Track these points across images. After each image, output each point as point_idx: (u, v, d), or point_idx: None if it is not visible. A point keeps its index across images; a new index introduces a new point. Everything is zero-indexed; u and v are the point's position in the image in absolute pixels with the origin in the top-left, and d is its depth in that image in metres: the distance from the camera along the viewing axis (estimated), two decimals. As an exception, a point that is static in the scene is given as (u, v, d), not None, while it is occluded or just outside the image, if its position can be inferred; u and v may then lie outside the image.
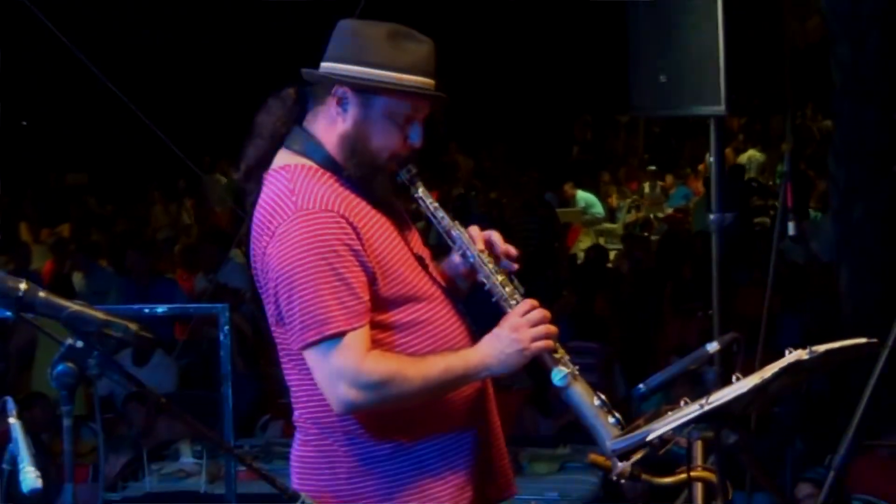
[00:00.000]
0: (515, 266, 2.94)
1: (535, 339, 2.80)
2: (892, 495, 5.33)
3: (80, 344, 2.39)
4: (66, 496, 2.44)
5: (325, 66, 2.86)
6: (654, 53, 4.24)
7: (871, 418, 2.68)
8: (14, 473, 2.40)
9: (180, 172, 14.44)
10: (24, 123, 16.94)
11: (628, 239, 12.56)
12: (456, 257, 2.97)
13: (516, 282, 2.90)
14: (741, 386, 2.53)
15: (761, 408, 3.69)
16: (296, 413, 2.92)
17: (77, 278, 10.21)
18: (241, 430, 6.09)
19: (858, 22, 7.30)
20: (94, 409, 2.61)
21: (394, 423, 2.81)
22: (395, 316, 2.82)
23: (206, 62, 16.58)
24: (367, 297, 2.74)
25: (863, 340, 2.68)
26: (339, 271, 2.71)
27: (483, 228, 3.01)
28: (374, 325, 2.78)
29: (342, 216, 2.74)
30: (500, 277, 2.89)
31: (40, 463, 2.39)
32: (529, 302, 2.84)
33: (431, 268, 2.94)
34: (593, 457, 3.05)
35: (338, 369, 2.71)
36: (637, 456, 2.73)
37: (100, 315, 2.42)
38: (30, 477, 2.36)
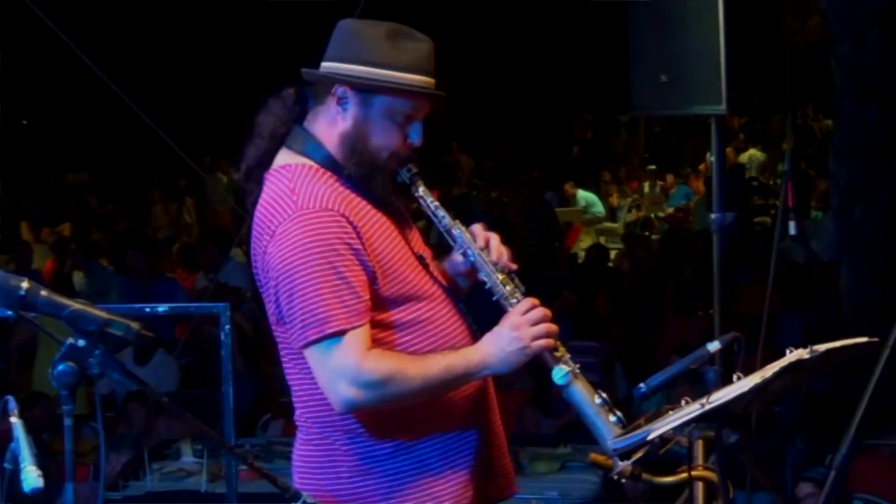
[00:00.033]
0: (514, 265, 2.94)
1: (535, 338, 2.80)
2: (893, 495, 5.33)
3: (81, 343, 2.39)
4: (67, 495, 2.45)
5: (326, 65, 2.87)
6: (655, 53, 4.23)
7: (872, 418, 2.68)
8: (16, 472, 2.40)
9: (181, 172, 14.44)
10: (25, 122, 16.94)
11: (629, 238, 12.57)
12: (457, 256, 2.98)
13: (517, 280, 2.90)
14: (742, 385, 2.53)
15: (762, 407, 3.69)
16: (297, 412, 2.92)
17: (78, 278, 10.20)
18: (241, 430, 6.09)
19: (859, 21, 7.30)
20: (94, 409, 2.60)
21: (395, 422, 2.81)
22: (395, 315, 2.82)
23: (207, 62, 16.58)
24: (367, 296, 2.74)
25: (864, 340, 2.68)
26: (340, 270, 2.71)
27: (485, 229, 3.01)
28: (375, 325, 2.78)
29: (342, 215, 2.75)
30: (500, 276, 2.89)
31: (41, 462, 2.39)
32: (530, 300, 2.84)
33: (432, 267, 2.94)
34: (594, 456, 3.05)
35: (338, 368, 2.71)
36: (638, 455, 2.73)
37: (102, 314, 2.42)
38: (31, 476, 2.36)
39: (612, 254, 11.62)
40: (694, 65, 4.10)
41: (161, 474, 5.97)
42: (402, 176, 2.89)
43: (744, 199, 12.21)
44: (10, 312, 2.44)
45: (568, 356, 2.84)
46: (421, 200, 2.92)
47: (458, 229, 2.93)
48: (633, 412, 2.90)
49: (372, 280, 2.77)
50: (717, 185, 4.29)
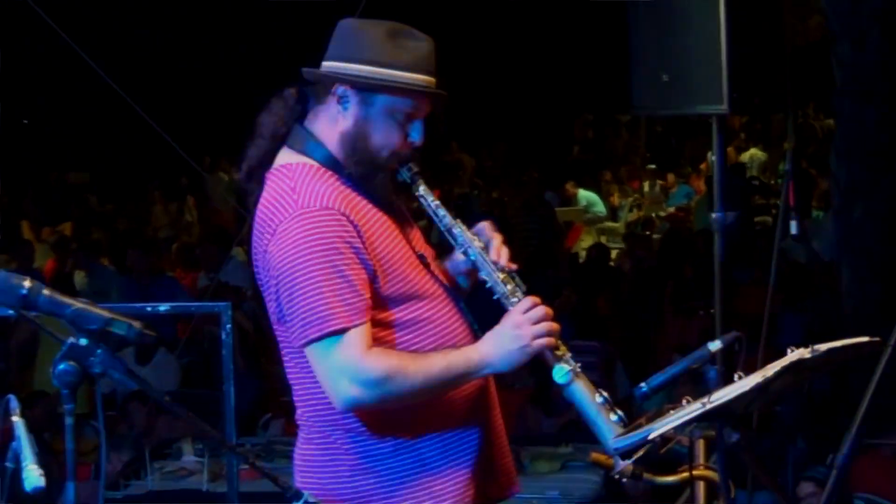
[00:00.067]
0: (514, 265, 2.94)
1: (536, 337, 2.80)
2: (895, 495, 5.33)
3: (83, 342, 2.39)
4: (69, 494, 2.45)
5: (326, 65, 2.87)
6: (656, 52, 4.23)
7: (873, 417, 2.68)
8: (17, 471, 2.40)
9: (181, 171, 14.45)
10: (26, 122, 16.94)
11: (630, 238, 12.57)
12: (458, 255, 2.98)
13: (518, 280, 2.91)
14: (743, 385, 2.53)
15: (763, 407, 3.69)
16: (298, 411, 2.92)
17: (79, 277, 10.21)
18: (242, 429, 6.09)
19: (859, 21, 7.30)
20: (95, 408, 2.61)
21: (395, 421, 2.81)
22: (396, 314, 2.82)
23: (208, 62, 16.58)
24: (368, 295, 2.75)
25: (865, 339, 2.68)
26: (341, 268, 2.71)
27: (493, 228, 3.01)
28: (376, 324, 2.78)
29: (343, 214, 2.75)
30: (501, 275, 2.89)
31: (43, 461, 2.40)
32: (531, 299, 2.84)
33: (433, 266, 2.95)
34: (595, 456, 3.06)
35: (339, 366, 2.71)
36: (639, 454, 2.73)
37: (103, 313, 2.42)
38: (33, 475, 2.36)
39: (613, 253, 11.63)
40: (695, 64, 4.10)
41: (162, 473, 5.97)
42: (402, 175, 2.89)
43: (745, 199, 12.21)
44: (11, 312, 2.44)
45: (569, 355, 2.84)
46: (422, 199, 2.92)
47: (458, 228, 2.93)
48: (634, 412, 2.90)
49: (372, 279, 2.77)
50: (718, 185, 4.29)
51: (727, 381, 2.61)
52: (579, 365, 2.84)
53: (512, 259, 2.94)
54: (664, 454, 2.82)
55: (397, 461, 2.83)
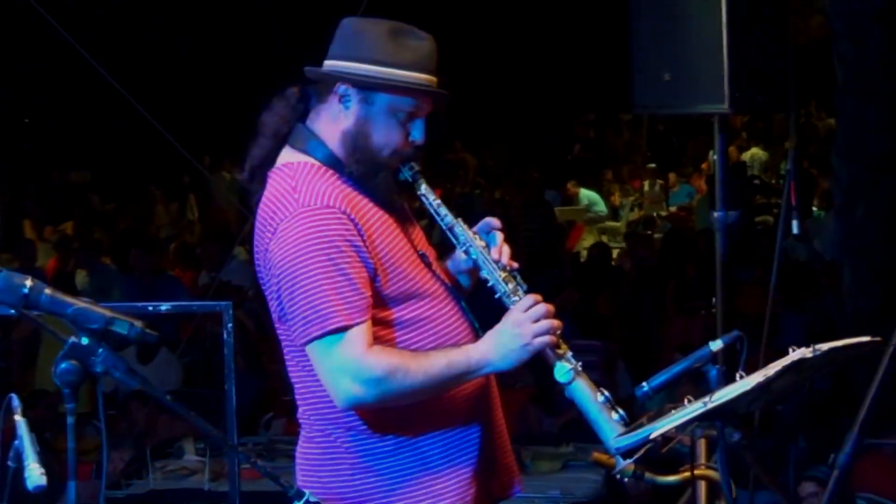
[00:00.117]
0: (515, 264, 2.94)
1: (537, 335, 2.79)
2: (896, 494, 5.33)
3: (84, 341, 2.40)
4: (70, 493, 2.45)
5: (328, 63, 2.87)
6: (658, 51, 4.23)
7: (875, 417, 2.67)
8: (19, 470, 2.40)
9: (183, 171, 14.45)
10: (27, 121, 16.95)
11: (631, 237, 12.57)
12: (459, 254, 2.98)
13: (519, 278, 2.91)
14: (745, 384, 2.53)
15: (765, 406, 3.69)
16: (299, 410, 2.93)
17: (80, 276, 10.21)
18: (244, 428, 6.09)
19: (861, 20, 7.30)
20: (97, 407, 2.61)
21: (396, 419, 2.82)
22: (397, 313, 2.82)
23: (209, 61, 16.59)
24: (369, 293, 2.75)
25: (866, 339, 2.68)
26: (342, 267, 2.72)
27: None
28: (377, 322, 2.78)
29: (344, 213, 2.75)
30: (502, 274, 2.89)
31: (44, 460, 2.40)
32: (532, 297, 2.84)
33: (435, 265, 2.95)
34: (597, 455, 3.06)
35: (340, 364, 2.71)
36: (640, 453, 2.73)
37: (105, 312, 2.42)
38: (35, 474, 2.36)
39: (615, 253, 11.63)
40: (697, 63, 4.10)
41: (163, 473, 5.96)
42: (404, 174, 2.90)
43: (746, 198, 12.21)
44: (13, 311, 2.44)
45: (570, 353, 2.84)
46: (423, 198, 2.92)
47: (460, 227, 2.93)
48: (635, 411, 2.90)
49: (373, 277, 2.77)
50: (719, 184, 4.28)
51: (729, 380, 2.61)
52: (580, 364, 2.84)
53: (513, 258, 2.94)
54: (665, 454, 2.82)
55: (398, 460, 2.83)
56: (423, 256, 2.91)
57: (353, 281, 2.72)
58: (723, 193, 4.25)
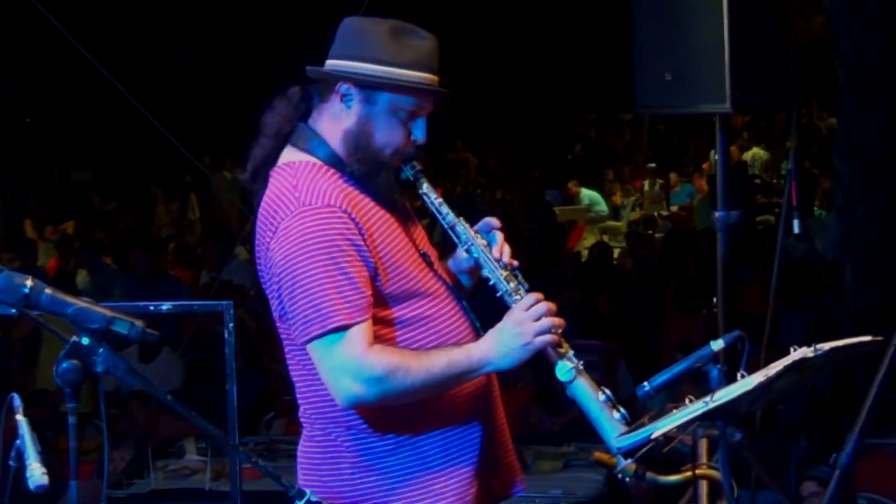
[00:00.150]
0: (516, 262, 2.94)
1: (538, 334, 2.79)
2: (898, 494, 5.33)
3: (85, 341, 2.40)
4: (71, 493, 2.45)
5: (330, 63, 2.88)
6: (659, 51, 4.22)
7: (876, 417, 2.67)
8: (21, 470, 2.40)
9: (184, 170, 14.46)
10: (28, 121, 16.96)
11: (632, 237, 12.57)
12: (461, 253, 2.98)
13: (520, 277, 2.91)
14: (746, 384, 2.53)
15: (766, 406, 3.69)
16: (300, 409, 2.93)
17: (81, 276, 10.21)
18: (245, 428, 6.09)
19: (862, 20, 7.29)
20: (98, 406, 2.61)
21: (397, 418, 2.82)
22: (398, 312, 2.82)
23: (209, 61, 16.59)
24: (369, 292, 2.75)
25: (867, 339, 2.67)
26: (342, 266, 2.72)
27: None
28: (378, 321, 2.78)
29: (344, 211, 2.75)
30: (504, 273, 2.90)
31: (45, 460, 2.40)
32: (534, 296, 2.84)
33: (436, 265, 2.95)
34: (598, 455, 3.05)
35: (341, 363, 2.71)
36: (641, 453, 2.73)
37: (105, 312, 2.42)
38: (36, 474, 2.36)
39: (616, 252, 11.63)
40: (698, 63, 4.09)
41: (165, 472, 5.97)
42: (406, 173, 2.90)
43: (747, 198, 12.21)
44: (14, 311, 2.44)
45: (572, 352, 2.84)
46: (425, 197, 2.92)
47: (461, 226, 2.93)
48: (636, 411, 2.90)
49: (374, 276, 2.77)
50: (720, 184, 4.28)
51: (730, 380, 2.61)
52: (582, 362, 2.84)
53: (514, 258, 2.94)
54: (667, 453, 2.82)
55: (398, 459, 2.83)
56: (424, 255, 2.91)
57: (354, 280, 2.72)
58: (724, 193, 4.24)
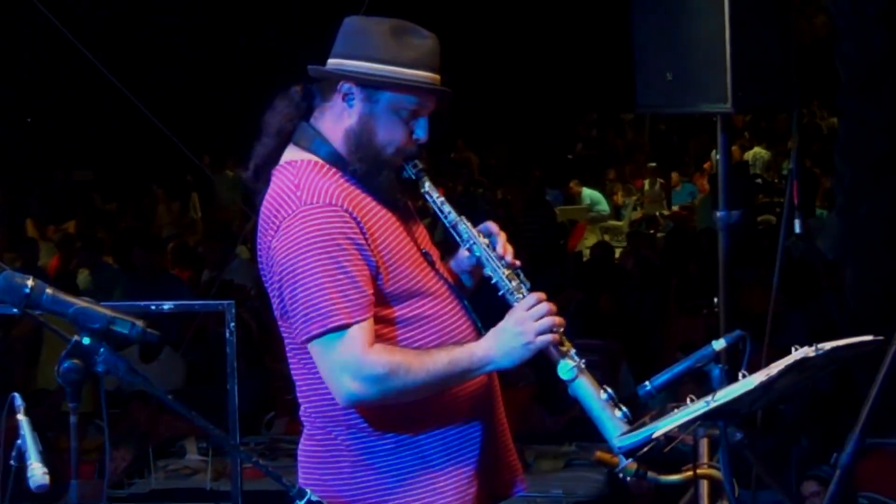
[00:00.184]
0: (518, 262, 2.94)
1: (539, 333, 2.79)
2: (899, 493, 5.33)
3: (86, 341, 2.40)
4: (72, 493, 2.45)
5: (332, 62, 2.88)
6: (660, 51, 4.22)
7: (877, 416, 2.67)
8: (22, 469, 2.40)
9: (184, 170, 14.47)
10: (30, 120, 16.97)
11: (634, 236, 12.57)
12: (462, 253, 2.98)
13: (522, 276, 2.91)
14: (747, 383, 2.53)
15: (767, 405, 3.68)
16: (301, 408, 2.93)
17: (82, 275, 10.21)
18: (246, 427, 6.09)
19: (863, 20, 7.29)
20: (99, 406, 2.61)
21: (397, 417, 2.81)
22: (399, 311, 2.82)
23: (210, 61, 16.60)
24: (370, 291, 2.75)
25: (869, 338, 2.67)
26: (343, 265, 2.72)
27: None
28: (379, 320, 2.78)
29: (346, 210, 2.75)
30: (506, 271, 2.89)
31: (46, 459, 2.40)
32: (536, 295, 2.84)
33: (438, 264, 2.95)
34: (599, 454, 3.05)
35: (341, 362, 2.71)
36: (642, 452, 2.73)
37: (106, 311, 2.42)
38: (37, 473, 2.36)
39: (617, 252, 11.63)
40: (699, 63, 4.09)
41: (166, 472, 5.97)
42: (408, 172, 2.90)
43: (749, 197, 12.20)
44: (15, 310, 2.44)
45: (573, 351, 2.83)
46: (427, 196, 2.92)
47: (463, 225, 2.93)
48: (638, 410, 2.90)
49: (375, 275, 2.77)
50: (722, 183, 4.28)
51: (731, 379, 2.61)
52: (584, 361, 2.84)
53: (515, 257, 2.94)
54: (668, 453, 2.81)
55: (398, 458, 2.83)
56: (426, 255, 2.91)
57: (355, 279, 2.72)
58: (725, 193, 4.24)
